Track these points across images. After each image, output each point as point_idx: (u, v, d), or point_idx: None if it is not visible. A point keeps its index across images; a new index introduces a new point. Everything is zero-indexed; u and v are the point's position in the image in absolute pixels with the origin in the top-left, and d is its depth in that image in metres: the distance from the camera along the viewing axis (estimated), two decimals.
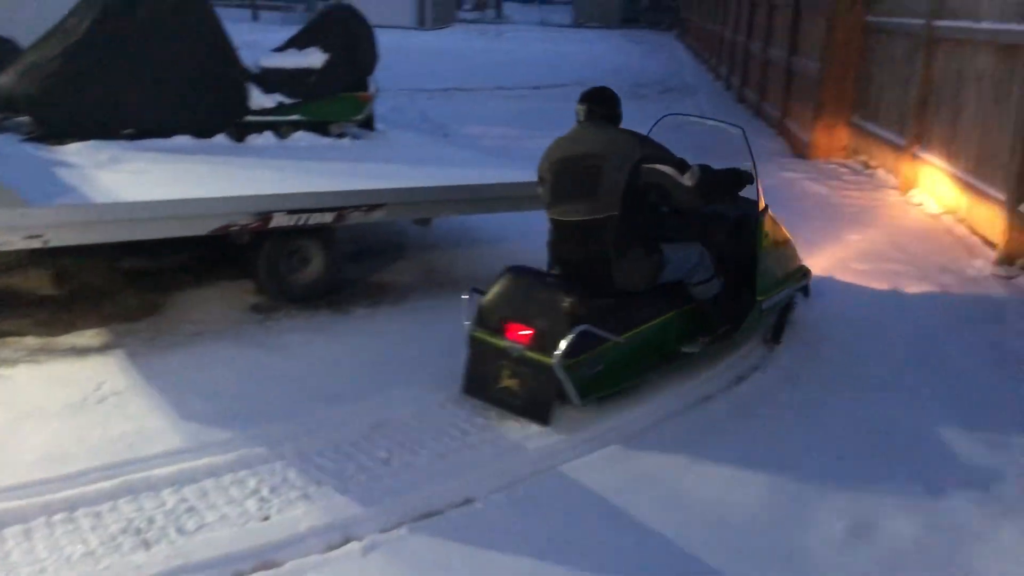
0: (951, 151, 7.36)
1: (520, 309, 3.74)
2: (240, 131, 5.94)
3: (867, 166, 9.52)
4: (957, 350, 4.69)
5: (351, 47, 6.31)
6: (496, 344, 3.72)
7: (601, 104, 4.34)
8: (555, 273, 4.06)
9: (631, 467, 3.42)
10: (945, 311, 5.25)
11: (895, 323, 5.07)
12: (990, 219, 6.43)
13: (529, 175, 5.32)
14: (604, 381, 3.73)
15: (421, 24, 35.12)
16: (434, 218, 5.26)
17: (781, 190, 8.34)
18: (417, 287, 5.34)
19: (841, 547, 3.03)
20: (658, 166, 3.92)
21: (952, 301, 5.43)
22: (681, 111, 14.88)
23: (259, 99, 6.01)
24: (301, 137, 6.09)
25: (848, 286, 5.68)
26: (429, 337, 4.55)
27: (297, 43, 6.46)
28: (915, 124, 8.12)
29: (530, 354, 3.61)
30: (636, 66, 23.40)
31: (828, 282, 5.67)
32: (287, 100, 6.11)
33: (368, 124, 6.65)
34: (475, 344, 3.82)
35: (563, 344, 3.51)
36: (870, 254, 6.34)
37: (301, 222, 4.58)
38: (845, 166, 9.74)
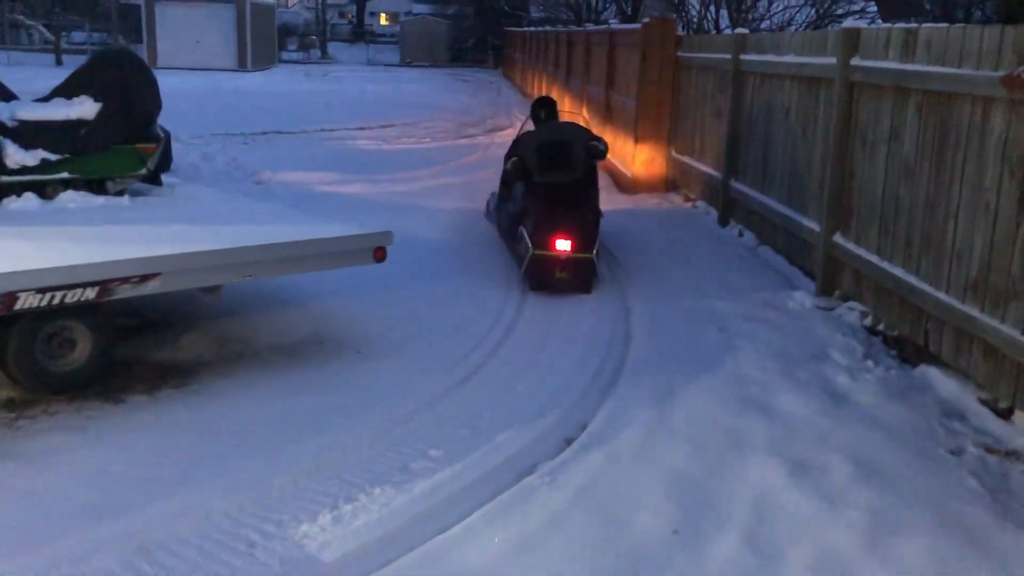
0: (764, 184, 7.43)
1: (559, 229, 6.10)
2: None
3: (688, 199, 9.59)
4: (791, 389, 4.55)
5: (127, 94, 5.64)
6: (550, 255, 6.09)
7: (552, 108, 7.83)
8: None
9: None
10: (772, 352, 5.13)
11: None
12: (806, 250, 6.47)
13: (334, 230, 4.88)
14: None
15: (242, 66, 33.98)
16: (223, 285, 4.66)
17: (605, 228, 8.21)
18: (208, 363, 4.72)
19: None
20: (592, 141, 6.85)
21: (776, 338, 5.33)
22: (504, 149, 14.80)
23: (17, 156, 5.24)
24: (70, 198, 5.36)
25: (674, 331, 5.49)
26: (215, 424, 3.97)
27: (65, 91, 5.73)
28: (728, 157, 8.20)
29: (575, 255, 6.09)
30: (464, 104, 23.32)
31: (653, 320, 5.48)
32: (52, 156, 5.37)
33: (154, 178, 5.97)
34: (536, 259, 6.10)
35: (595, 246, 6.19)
36: (696, 292, 6.21)
37: (55, 302, 3.91)
38: (667, 200, 9.78)
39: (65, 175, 5.45)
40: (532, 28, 25.62)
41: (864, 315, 5.61)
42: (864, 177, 5.64)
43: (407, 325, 5.41)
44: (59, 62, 31.31)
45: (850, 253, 5.72)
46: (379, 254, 4.95)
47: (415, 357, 4.91)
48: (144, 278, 4.13)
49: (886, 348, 5.22)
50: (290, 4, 79.23)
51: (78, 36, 42.70)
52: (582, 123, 7.72)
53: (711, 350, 5.11)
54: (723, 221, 8.34)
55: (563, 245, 6.07)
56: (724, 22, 11.64)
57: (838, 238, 5.92)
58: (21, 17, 43.79)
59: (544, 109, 7.70)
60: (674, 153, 10.10)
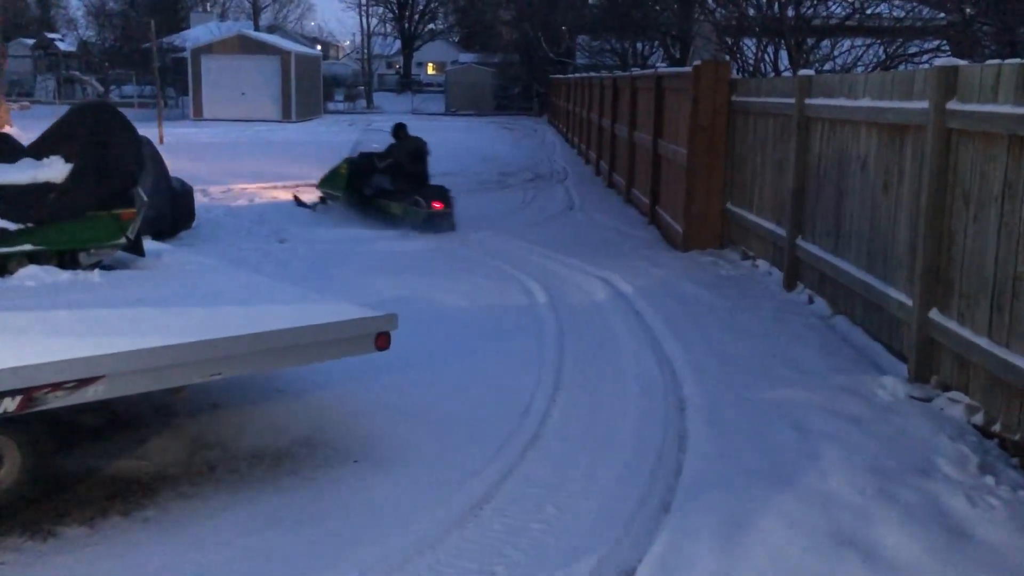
0: (838, 244, 6.48)
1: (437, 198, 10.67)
2: None
3: (746, 256, 8.65)
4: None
5: (104, 152, 4.94)
6: (435, 210, 10.56)
7: (405, 128, 11.84)
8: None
9: None
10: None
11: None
12: (894, 325, 5.50)
13: (326, 313, 4.07)
14: None
15: (286, 117, 33.94)
16: (186, 384, 3.85)
17: (656, 292, 7.30)
18: (172, 479, 3.90)
19: None
20: (426, 147, 11.58)
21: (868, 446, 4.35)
22: (546, 201, 14.02)
23: None
24: (30, 274, 4.63)
25: (739, 429, 4.54)
26: (160, 572, 3.13)
27: (37, 150, 5.06)
28: (794, 212, 7.27)
29: (443, 209, 10.59)
30: (507, 153, 22.70)
31: (720, 417, 4.54)
32: (12, 225, 4.67)
33: (136, 248, 5.24)
34: (431, 212, 10.51)
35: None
36: (763, 376, 5.26)
37: None
38: (723, 258, 8.85)
39: (29, 247, 4.74)
40: (577, 75, 24.99)
41: (972, 410, 4.60)
42: (968, 244, 4.68)
43: (416, 422, 4.55)
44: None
45: (952, 334, 4.74)
46: (381, 341, 4.12)
47: (422, 469, 4.03)
48: (82, 383, 3.35)
49: (1005, 456, 4.21)
50: (340, 56, 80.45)
51: (130, 89, 43.36)
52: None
53: (787, 457, 4.16)
54: (789, 284, 7.37)
55: (438, 205, 10.59)
56: (782, 63, 10.75)
57: (935, 315, 4.94)
58: (76, 72, 44.75)
59: (402, 130, 11.88)
60: (729, 206, 9.19)
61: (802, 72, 7.22)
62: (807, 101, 7.02)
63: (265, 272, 7.98)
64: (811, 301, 6.94)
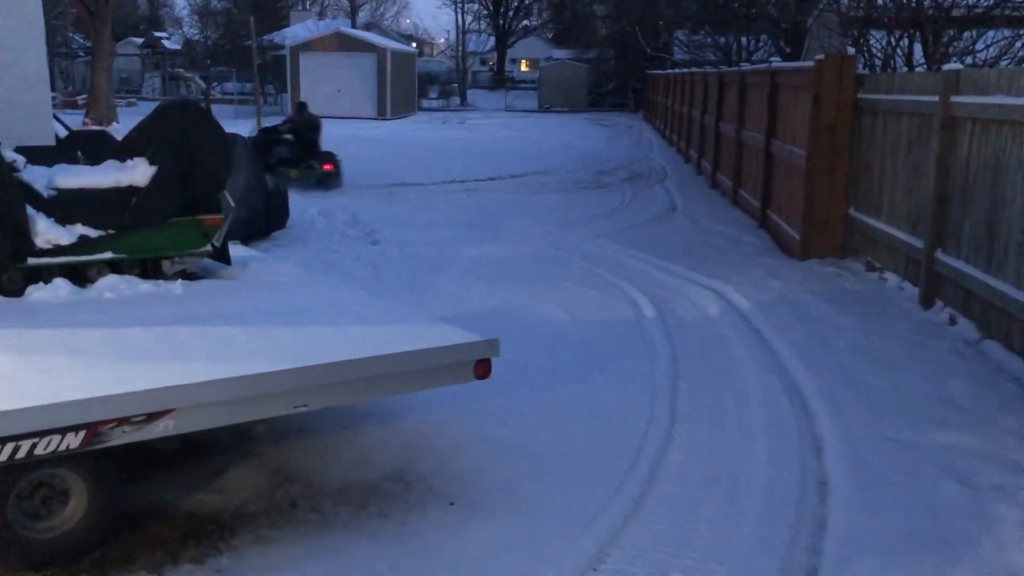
0: (991, 259, 5.74)
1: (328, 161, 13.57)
2: (17, 280, 4.21)
3: (872, 267, 7.91)
4: None
5: (190, 155, 4.62)
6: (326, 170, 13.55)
7: (306, 105, 14.68)
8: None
9: None
10: None
11: None
12: None
13: (421, 337, 3.64)
14: None
15: (381, 114, 34.03)
16: (267, 418, 3.47)
17: (776, 308, 6.66)
18: (251, 516, 3.52)
19: None
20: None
21: None
22: (646, 202, 13.42)
23: (49, 234, 4.28)
24: (109, 285, 4.34)
25: (890, 479, 3.92)
26: None
27: (121, 151, 4.79)
28: (935, 222, 6.53)
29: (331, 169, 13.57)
30: (602, 151, 22.11)
31: (856, 468, 3.93)
32: (93, 232, 4.39)
33: (222, 256, 4.92)
34: (322, 171, 13.49)
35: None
36: (911, 413, 4.61)
37: (20, 454, 2.80)
38: (846, 269, 8.12)
39: (110, 255, 4.46)
40: (675, 70, 24.18)
41: None
42: None
43: (518, 457, 4.08)
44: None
45: None
46: (481, 370, 3.66)
47: (523, 515, 3.56)
48: (151, 417, 2.99)
49: None
50: (435, 53, 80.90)
51: (231, 86, 44.32)
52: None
53: (954, 519, 3.53)
54: (926, 302, 6.63)
55: (328, 167, 13.39)
56: (916, 58, 9.88)
57: None
58: (180, 70, 45.98)
59: (303, 105, 14.56)
60: (853, 211, 8.44)
61: (948, 67, 6.47)
62: (954, 99, 6.28)
63: (358, 277, 7.66)
64: (953, 322, 6.20)
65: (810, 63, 8.79)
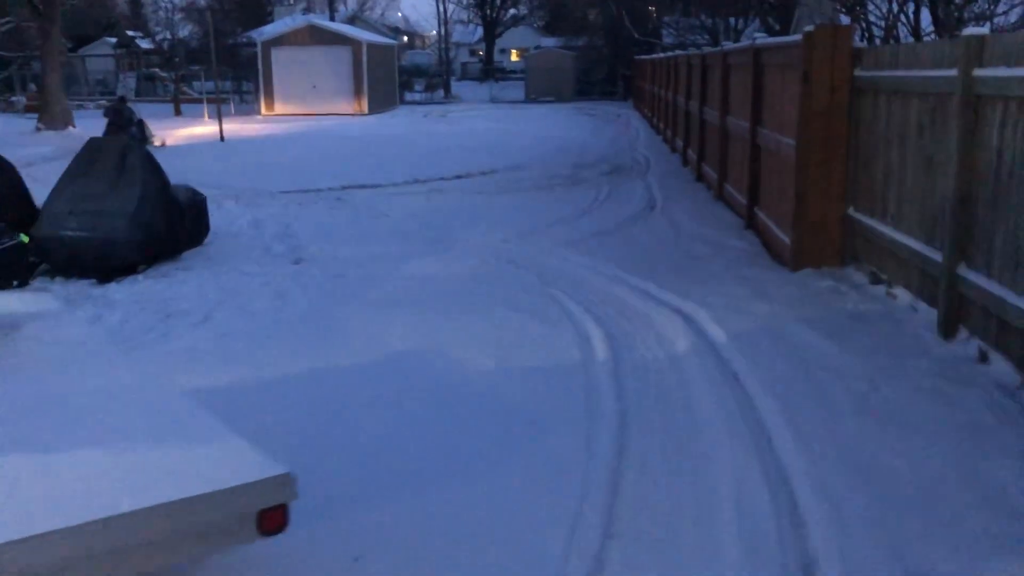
0: None
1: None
2: None
3: (877, 279, 6.58)
4: None
5: None
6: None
7: (124, 100, 21.00)
8: None
9: None
10: None
11: None
12: None
13: (198, 477, 2.31)
14: None
15: (359, 109, 32.64)
16: None
17: (760, 344, 5.32)
18: None
19: None
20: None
21: None
22: (623, 200, 12.07)
23: None
24: None
25: None
26: None
27: None
28: (956, 230, 5.19)
29: None
30: (584, 142, 20.73)
31: None
32: None
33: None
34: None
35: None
36: (941, 521, 3.27)
37: None
38: (846, 282, 6.78)
39: None
40: (661, 55, 22.79)
41: None
42: None
43: None
44: (178, 112, 30.78)
45: None
46: (270, 523, 2.33)
47: None
48: None
49: None
50: (427, 45, 79.35)
51: (208, 85, 42.93)
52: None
53: None
54: (947, 329, 5.30)
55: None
56: (924, 27, 8.48)
57: None
58: (156, 70, 44.59)
59: (123, 99, 19.81)
60: (853, 212, 7.11)
61: (970, 31, 5.11)
62: (978, 73, 4.93)
63: (255, 311, 6.35)
64: (984, 359, 4.87)
65: (797, 37, 7.43)
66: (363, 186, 13.66)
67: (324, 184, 13.64)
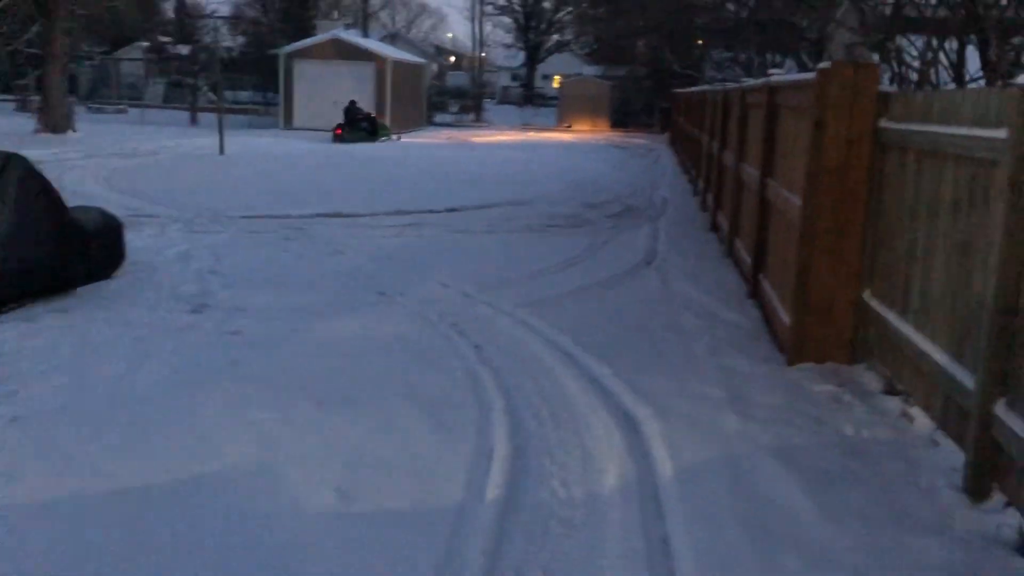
0: None
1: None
2: None
3: (890, 389, 5.09)
4: None
5: None
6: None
7: None
8: None
9: None
10: None
11: None
12: None
13: None
14: None
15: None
16: None
17: (715, 492, 3.85)
18: None
19: None
20: None
21: None
22: (619, 250, 10.64)
23: None
24: None
25: None
26: None
27: None
28: (995, 351, 3.70)
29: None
30: (603, 177, 19.34)
31: None
32: None
33: None
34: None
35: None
36: None
37: None
38: (853, 388, 5.29)
39: None
40: (693, 88, 21.36)
41: None
42: None
43: None
44: (194, 121, 30.00)
45: None
46: None
47: None
48: None
49: None
50: (474, 67, 78.62)
51: (246, 96, 42.42)
52: None
53: None
54: (975, 486, 3.79)
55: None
56: (970, 70, 6.93)
57: None
58: (188, 77, 44.14)
59: (352, 104, 25.67)
60: (868, 297, 5.63)
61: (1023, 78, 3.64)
62: None
63: (95, 381, 5.04)
64: None
65: (811, 75, 5.99)
66: (338, 214, 12.40)
67: (297, 211, 12.39)
